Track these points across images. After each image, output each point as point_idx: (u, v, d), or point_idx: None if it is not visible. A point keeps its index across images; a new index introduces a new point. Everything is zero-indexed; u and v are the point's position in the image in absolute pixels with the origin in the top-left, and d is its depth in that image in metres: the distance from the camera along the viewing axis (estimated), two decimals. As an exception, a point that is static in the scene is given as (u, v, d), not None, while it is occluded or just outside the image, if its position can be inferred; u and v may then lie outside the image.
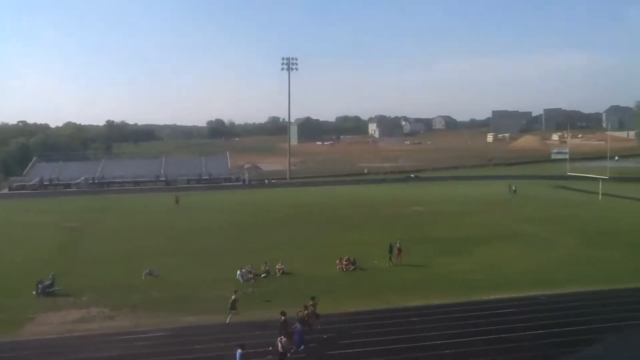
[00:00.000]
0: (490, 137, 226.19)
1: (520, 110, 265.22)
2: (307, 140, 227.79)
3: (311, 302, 26.67)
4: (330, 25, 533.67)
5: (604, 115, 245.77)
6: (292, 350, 23.22)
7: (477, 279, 34.91)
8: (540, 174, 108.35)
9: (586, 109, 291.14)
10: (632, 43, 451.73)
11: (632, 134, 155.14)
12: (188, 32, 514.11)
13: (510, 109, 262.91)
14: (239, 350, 21.10)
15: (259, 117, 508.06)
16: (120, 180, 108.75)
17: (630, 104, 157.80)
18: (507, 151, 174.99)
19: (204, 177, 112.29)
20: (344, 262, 38.36)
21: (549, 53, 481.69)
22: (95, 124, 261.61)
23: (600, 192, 70.99)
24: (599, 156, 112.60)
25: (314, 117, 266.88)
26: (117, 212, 71.04)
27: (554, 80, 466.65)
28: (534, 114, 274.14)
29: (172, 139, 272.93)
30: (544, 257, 40.29)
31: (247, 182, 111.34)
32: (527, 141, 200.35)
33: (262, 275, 36.67)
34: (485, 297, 30.89)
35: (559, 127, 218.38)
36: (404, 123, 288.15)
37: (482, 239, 47.09)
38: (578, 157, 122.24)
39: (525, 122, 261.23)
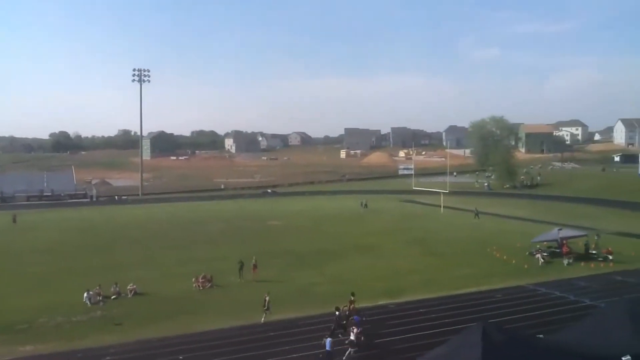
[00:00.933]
0: (343, 154, 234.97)
1: (370, 129, 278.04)
2: (161, 155, 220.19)
3: (352, 298, 29.05)
4: (184, 38, 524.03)
5: (444, 134, 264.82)
6: (361, 339, 24.90)
7: (330, 290, 35.85)
8: (389, 188, 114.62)
9: (429, 128, 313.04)
10: (464, 69, 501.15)
11: (467, 151, 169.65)
12: (25, 31, 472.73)
13: (361, 126, 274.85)
14: (328, 339, 23.62)
15: (108, 130, 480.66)
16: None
17: (466, 124, 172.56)
18: (359, 167, 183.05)
19: (46, 194, 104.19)
20: (200, 280, 37.58)
21: (394, 76, 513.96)
22: None
23: (442, 204, 76.83)
24: (440, 172, 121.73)
25: (168, 131, 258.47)
26: (-59, 233, 63.29)
27: (400, 101, 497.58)
28: (382, 132, 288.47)
29: (8, 152, 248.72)
30: (392, 267, 42.65)
31: (94, 199, 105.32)
32: (377, 157, 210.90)
33: (113, 297, 34.76)
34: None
35: (405, 145, 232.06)
36: (260, 139, 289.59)
37: (334, 252, 48.75)
38: (422, 172, 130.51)
39: (375, 140, 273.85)
